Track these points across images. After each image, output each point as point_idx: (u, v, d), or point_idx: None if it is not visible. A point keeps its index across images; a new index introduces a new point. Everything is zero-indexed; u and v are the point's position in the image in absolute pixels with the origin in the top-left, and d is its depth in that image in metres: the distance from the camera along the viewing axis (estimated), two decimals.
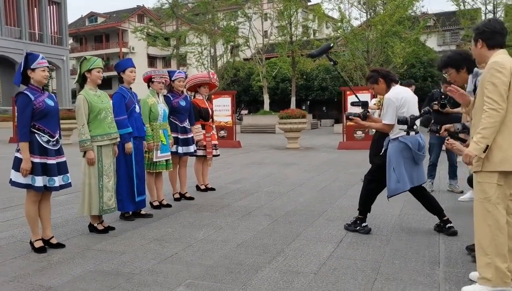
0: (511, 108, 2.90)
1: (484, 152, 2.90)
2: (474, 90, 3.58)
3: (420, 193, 4.47)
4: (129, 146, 5.02)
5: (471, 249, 3.69)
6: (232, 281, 3.33)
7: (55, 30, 39.13)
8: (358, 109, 4.47)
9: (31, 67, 3.98)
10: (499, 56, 2.99)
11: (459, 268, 3.52)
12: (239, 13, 28.79)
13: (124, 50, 53.14)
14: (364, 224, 4.53)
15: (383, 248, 4.03)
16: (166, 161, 5.72)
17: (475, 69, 3.66)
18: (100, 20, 56.38)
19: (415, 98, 4.35)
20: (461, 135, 3.70)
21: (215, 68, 27.74)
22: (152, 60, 54.97)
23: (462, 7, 22.84)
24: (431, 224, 4.69)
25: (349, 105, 13.63)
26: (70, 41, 50.42)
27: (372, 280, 3.30)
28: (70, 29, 47.83)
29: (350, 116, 4.43)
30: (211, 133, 6.88)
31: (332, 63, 4.90)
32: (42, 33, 37.54)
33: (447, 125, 3.78)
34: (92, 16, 56.94)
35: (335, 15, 25.03)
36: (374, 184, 4.47)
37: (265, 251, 4.01)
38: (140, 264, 3.72)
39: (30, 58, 3.99)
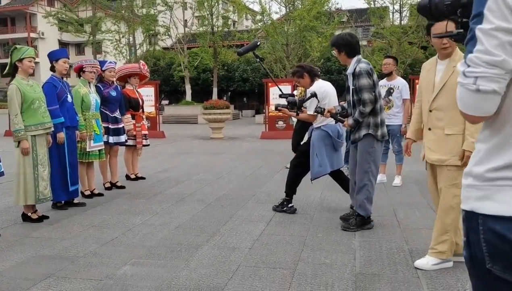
0: None
1: None
2: (353, 74, 4.13)
3: (338, 176, 5.04)
4: (61, 135, 5.05)
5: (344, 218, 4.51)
6: (175, 258, 3.62)
7: None
8: (285, 101, 4.91)
9: None
10: None
11: (371, 238, 4.10)
12: (159, 1, 28.31)
13: (32, 35, 49.69)
14: (290, 205, 5.01)
15: (307, 225, 4.54)
16: (99, 150, 5.80)
17: (360, 57, 4.21)
18: (4, 1, 52.16)
19: (335, 91, 4.89)
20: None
21: (135, 57, 27.16)
22: (64, 47, 51.94)
23: (372, 5, 24.43)
24: (347, 203, 5.27)
25: (271, 97, 14.27)
26: None
27: (300, 251, 3.76)
28: None
29: (279, 107, 4.87)
30: (141, 123, 7.01)
31: (258, 60, 5.28)
32: None
33: (330, 107, 4.41)
34: None
35: (256, 8, 25.61)
36: (299, 168, 4.97)
37: (202, 232, 4.34)
38: (83, 248, 3.88)
39: None
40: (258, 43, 5.22)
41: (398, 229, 4.37)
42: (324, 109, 4.40)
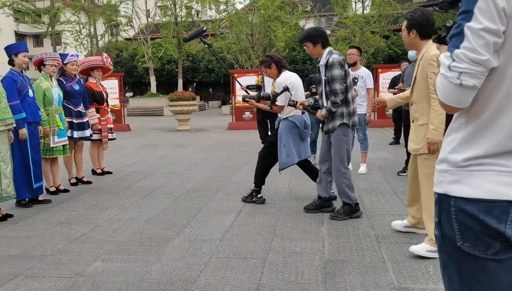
0: None
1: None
2: (325, 65, 4.21)
3: (306, 165, 5.12)
4: (23, 132, 4.92)
5: (308, 208, 4.66)
6: (145, 253, 3.61)
7: None
8: (252, 92, 4.94)
9: None
10: (433, 47, 3.33)
11: (339, 225, 4.21)
12: None
13: None
14: (259, 195, 5.07)
15: (277, 214, 4.61)
16: (63, 146, 5.68)
17: (331, 48, 4.29)
18: None
19: (301, 82, 4.96)
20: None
21: (97, 49, 26.49)
22: (21, 38, 49.80)
23: None
24: (315, 192, 5.38)
25: (237, 87, 14.26)
26: None
27: (270, 241, 3.82)
28: None
29: (246, 99, 4.89)
30: (106, 117, 6.88)
31: (206, 46, 5.26)
32: None
33: (302, 100, 4.57)
34: None
35: None
36: (268, 159, 5.03)
37: (172, 225, 4.34)
38: (51, 246, 3.81)
39: None
40: (204, 29, 5.22)
41: (364, 215, 4.50)
42: (297, 102, 4.47)
